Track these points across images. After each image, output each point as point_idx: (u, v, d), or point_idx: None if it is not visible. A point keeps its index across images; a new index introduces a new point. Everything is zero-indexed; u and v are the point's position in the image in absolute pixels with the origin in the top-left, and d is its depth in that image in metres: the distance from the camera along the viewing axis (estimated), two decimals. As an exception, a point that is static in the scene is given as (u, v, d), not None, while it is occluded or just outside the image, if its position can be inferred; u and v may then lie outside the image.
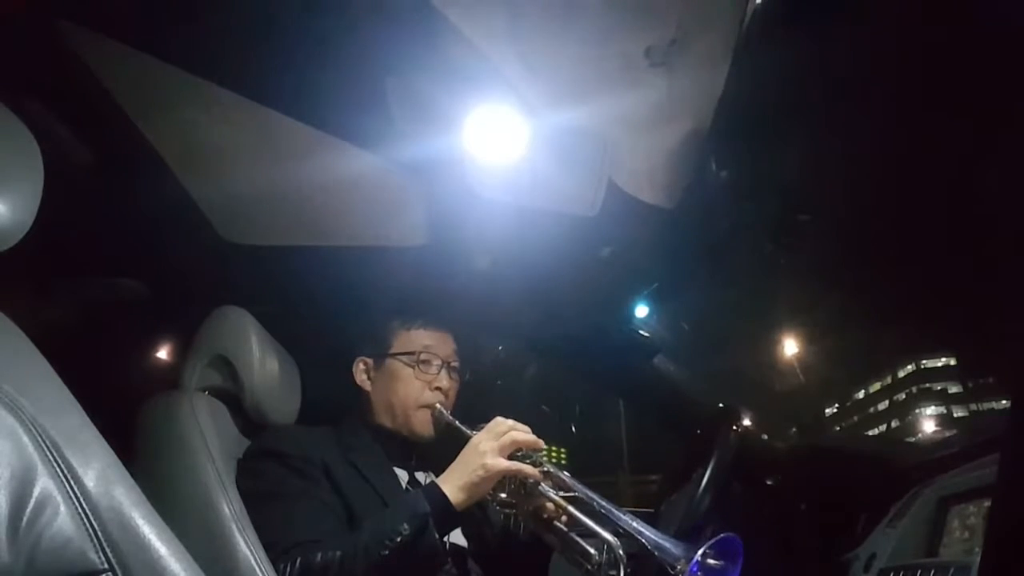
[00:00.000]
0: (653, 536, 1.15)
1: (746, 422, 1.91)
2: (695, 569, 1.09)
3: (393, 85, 1.19)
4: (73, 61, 1.08)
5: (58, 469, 0.63)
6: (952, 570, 1.09)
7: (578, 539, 1.27)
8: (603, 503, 1.22)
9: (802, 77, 1.27)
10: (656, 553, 1.13)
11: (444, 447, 1.37)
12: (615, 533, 1.19)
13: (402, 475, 1.41)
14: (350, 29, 1.08)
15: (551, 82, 1.19)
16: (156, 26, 1.08)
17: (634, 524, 1.17)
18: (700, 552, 1.09)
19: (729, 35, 1.13)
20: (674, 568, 1.10)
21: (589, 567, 1.24)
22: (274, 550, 1.15)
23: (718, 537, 1.12)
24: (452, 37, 1.07)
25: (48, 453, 0.63)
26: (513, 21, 1.07)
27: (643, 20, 1.08)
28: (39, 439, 0.63)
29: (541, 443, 1.28)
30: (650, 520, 1.35)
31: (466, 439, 1.29)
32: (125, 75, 1.14)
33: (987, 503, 1.11)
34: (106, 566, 0.61)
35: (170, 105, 1.21)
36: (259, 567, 1.11)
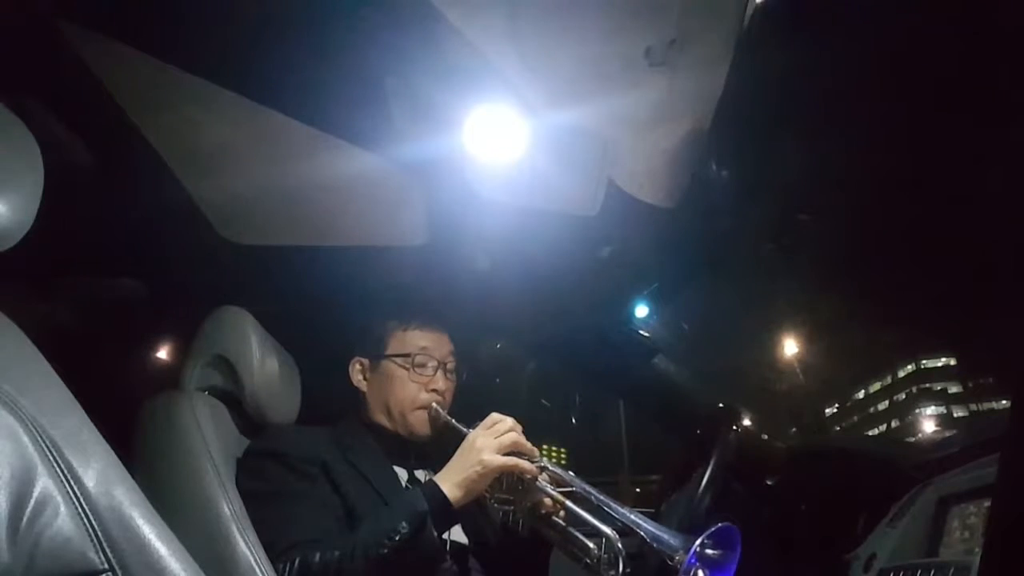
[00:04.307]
0: (651, 528, 1.15)
1: (746, 422, 1.91)
2: (693, 559, 1.09)
3: (393, 85, 1.19)
4: (73, 61, 1.08)
5: (58, 469, 0.63)
6: (952, 570, 1.09)
7: (577, 534, 1.27)
8: (601, 498, 1.22)
9: (802, 77, 1.27)
10: (654, 545, 1.13)
11: (443, 446, 1.37)
12: (614, 527, 1.19)
13: (401, 474, 1.41)
14: (350, 29, 1.08)
15: (551, 82, 1.19)
16: (156, 26, 1.08)
17: (632, 517, 1.17)
18: (698, 542, 1.09)
19: (729, 35, 1.13)
20: (672, 559, 1.10)
21: (588, 561, 1.24)
22: (273, 550, 1.15)
23: (716, 527, 1.12)
24: (452, 37, 1.07)
25: (48, 453, 0.63)
26: (513, 21, 1.07)
27: (643, 20, 1.08)
28: (39, 439, 0.63)
29: (535, 449, 1.28)
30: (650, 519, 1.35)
31: (463, 437, 1.29)
32: (125, 75, 1.14)
33: (987, 503, 1.11)
34: (106, 566, 0.61)
35: (170, 105, 1.21)
36: (259, 567, 1.11)
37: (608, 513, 1.20)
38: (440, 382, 1.45)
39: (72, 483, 0.63)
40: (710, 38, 1.13)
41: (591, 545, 1.25)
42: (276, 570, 1.12)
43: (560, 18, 1.08)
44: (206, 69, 1.14)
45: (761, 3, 1.10)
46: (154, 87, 1.17)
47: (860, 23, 1.19)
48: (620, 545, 1.17)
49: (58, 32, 1.05)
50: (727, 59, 1.16)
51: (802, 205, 1.65)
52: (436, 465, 1.31)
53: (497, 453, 1.23)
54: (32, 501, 0.60)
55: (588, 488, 1.24)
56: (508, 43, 1.10)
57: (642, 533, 1.15)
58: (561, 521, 1.29)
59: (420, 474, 1.43)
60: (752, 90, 1.23)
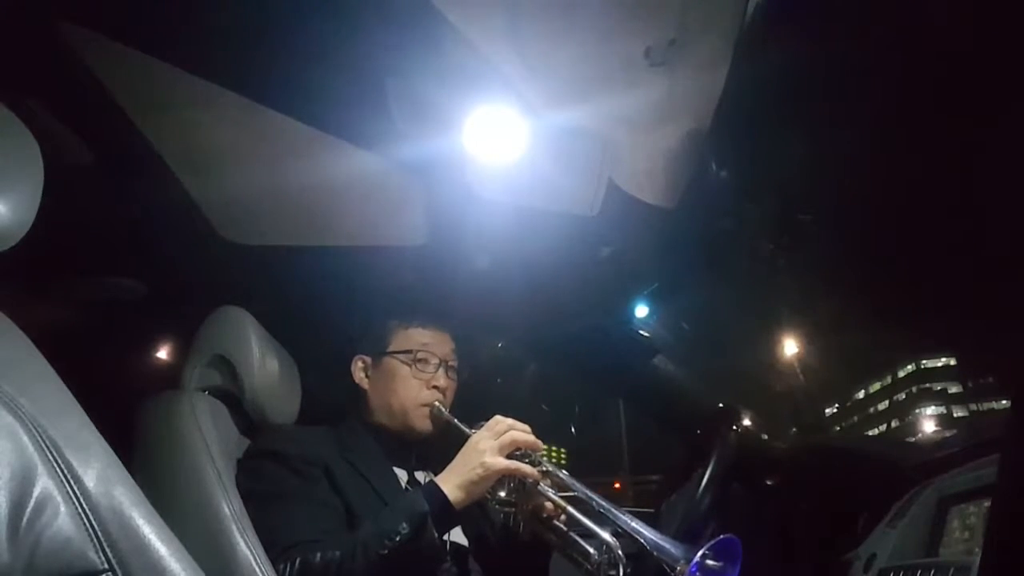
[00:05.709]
0: (652, 536, 1.15)
1: (746, 422, 1.91)
2: (694, 570, 1.09)
3: (393, 85, 1.19)
4: (73, 61, 1.08)
5: (58, 469, 0.63)
6: (952, 570, 1.09)
7: (577, 539, 1.27)
8: (602, 502, 1.22)
9: (802, 76, 1.27)
10: (655, 553, 1.13)
11: (444, 446, 1.37)
12: (614, 533, 1.19)
13: (401, 475, 1.41)
14: (350, 29, 1.08)
15: (551, 82, 1.19)
16: (156, 26, 1.07)
17: (633, 524, 1.17)
18: (700, 553, 1.09)
19: (729, 35, 1.13)
20: (673, 569, 1.10)
21: (588, 567, 1.24)
22: (273, 550, 1.15)
23: (718, 538, 1.12)
24: (452, 37, 1.07)
25: (48, 453, 0.63)
26: (513, 21, 1.07)
27: (643, 20, 1.08)
28: (39, 439, 0.63)
29: (539, 443, 1.28)
30: (650, 520, 1.35)
31: (465, 438, 1.29)
32: (125, 75, 1.14)
33: (987, 503, 1.11)
34: (106, 566, 0.61)
35: (170, 105, 1.20)
36: (259, 567, 1.11)
37: (609, 519, 1.20)
38: (442, 380, 1.45)
39: (72, 483, 0.63)
40: (710, 38, 1.13)
41: (591, 550, 1.25)
42: (276, 570, 1.12)
43: (560, 18, 1.08)
44: (206, 69, 1.14)
45: (761, 2, 1.10)
46: (154, 87, 1.16)
47: (860, 21, 1.19)
48: (620, 552, 1.17)
49: (58, 32, 1.05)
50: (727, 59, 1.16)
51: (802, 205, 1.65)
52: (437, 467, 1.31)
53: (499, 455, 1.23)
54: (32, 501, 0.60)
55: (590, 493, 1.24)
56: (508, 43, 1.10)
57: (643, 541, 1.15)
58: (562, 525, 1.29)
59: (420, 475, 1.43)
60: (752, 90, 1.23)
